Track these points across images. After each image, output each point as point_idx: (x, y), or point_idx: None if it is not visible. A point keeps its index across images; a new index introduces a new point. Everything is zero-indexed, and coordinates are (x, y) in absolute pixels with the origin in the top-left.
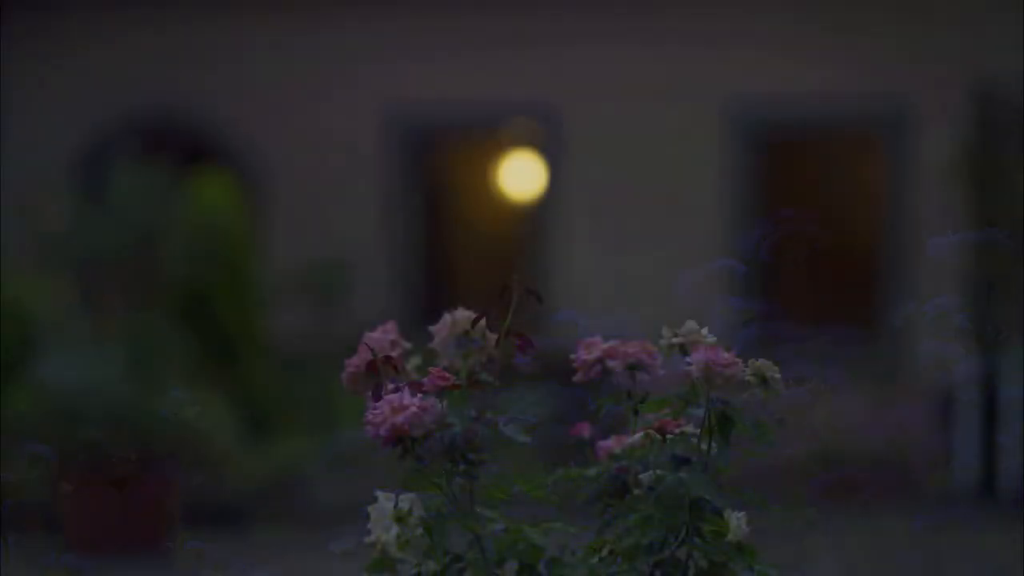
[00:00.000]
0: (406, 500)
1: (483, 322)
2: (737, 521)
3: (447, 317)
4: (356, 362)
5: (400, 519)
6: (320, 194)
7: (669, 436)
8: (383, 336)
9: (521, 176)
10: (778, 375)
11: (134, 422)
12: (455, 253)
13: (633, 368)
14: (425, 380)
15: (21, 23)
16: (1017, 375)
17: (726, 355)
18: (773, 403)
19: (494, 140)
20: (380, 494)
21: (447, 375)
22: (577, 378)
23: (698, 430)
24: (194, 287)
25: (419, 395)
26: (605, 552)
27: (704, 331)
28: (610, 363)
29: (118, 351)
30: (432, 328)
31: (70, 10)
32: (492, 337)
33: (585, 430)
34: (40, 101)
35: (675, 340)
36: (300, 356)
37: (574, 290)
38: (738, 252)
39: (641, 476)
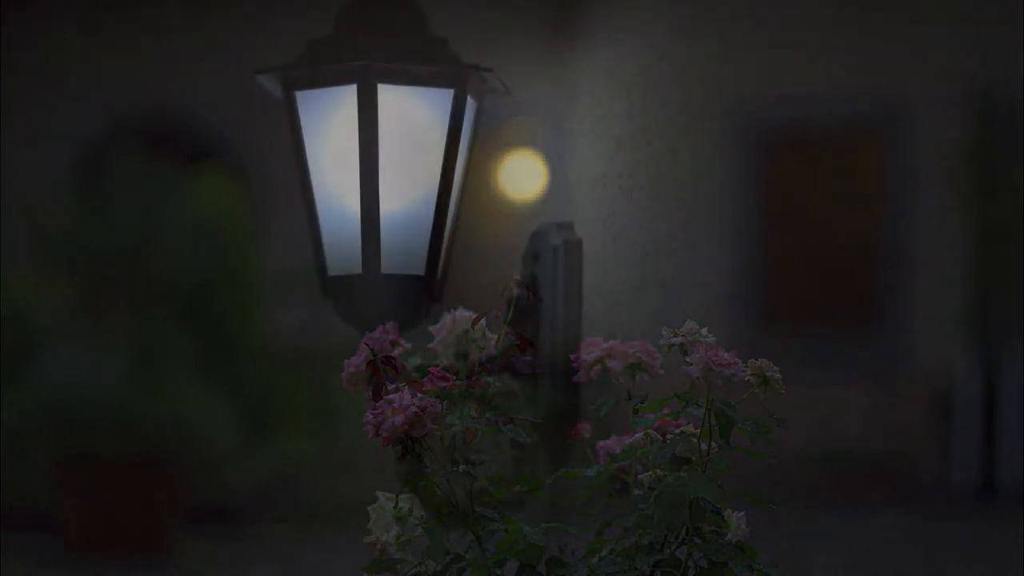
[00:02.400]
0: (406, 500)
1: (483, 322)
2: (737, 521)
3: (447, 317)
4: (356, 362)
5: (400, 519)
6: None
7: (669, 436)
8: (383, 336)
9: (521, 176)
10: (778, 375)
11: (134, 422)
12: (455, 253)
13: (633, 368)
14: (425, 380)
15: (21, 23)
16: (1017, 374)
17: (726, 355)
18: (773, 403)
19: (496, 140)
20: (380, 494)
21: (447, 375)
22: (577, 378)
23: (698, 430)
24: (194, 287)
25: (419, 395)
26: (605, 552)
27: (704, 331)
28: (610, 363)
29: (118, 351)
30: (432, 328)
31: (70, 10)
32: (492, 337)
33: (585, 430)
34: (40, 101)
35: (675, 340)
36: (300, 356)
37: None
38: (738, 252)
39: (641, 476)
